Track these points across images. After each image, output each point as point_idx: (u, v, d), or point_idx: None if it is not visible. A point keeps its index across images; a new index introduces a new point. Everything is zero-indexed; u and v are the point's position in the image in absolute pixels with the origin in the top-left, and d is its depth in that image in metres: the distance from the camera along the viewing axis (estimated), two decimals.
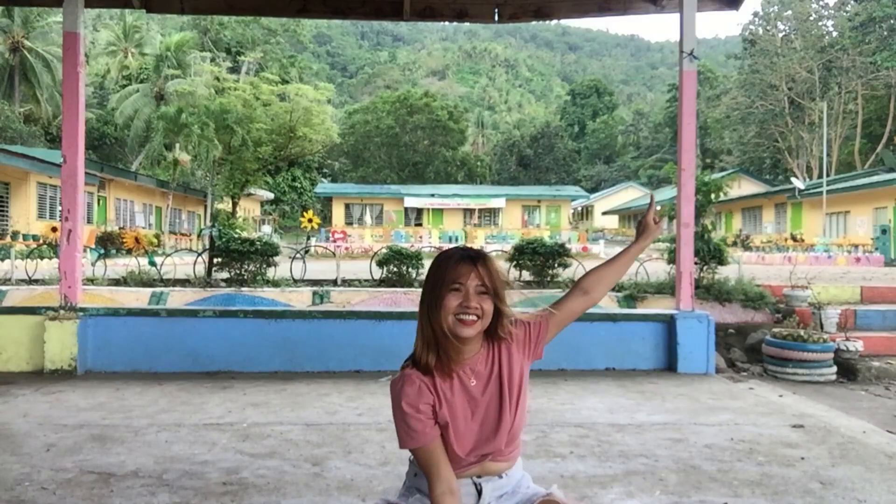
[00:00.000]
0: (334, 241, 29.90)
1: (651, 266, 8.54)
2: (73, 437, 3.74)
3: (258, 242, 7.72)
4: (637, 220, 2.23)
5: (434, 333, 1.76)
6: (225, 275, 7.70)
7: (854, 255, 21.01)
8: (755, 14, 48.77)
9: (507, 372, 1.82)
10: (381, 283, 7.92)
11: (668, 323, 5.91)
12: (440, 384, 1.77)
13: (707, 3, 6.35)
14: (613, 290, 7.61)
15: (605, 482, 3.13)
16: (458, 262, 1.77)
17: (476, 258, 1.78)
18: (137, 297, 7.05)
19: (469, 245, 1.78)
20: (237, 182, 33.20)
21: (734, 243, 27.15)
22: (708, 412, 4.44)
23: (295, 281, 8.02)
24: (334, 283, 8.12)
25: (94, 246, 15.61)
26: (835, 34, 43.87)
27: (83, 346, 5.56)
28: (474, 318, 1.73)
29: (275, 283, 7.67)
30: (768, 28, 47.40)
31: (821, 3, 46.09)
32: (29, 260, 9.50)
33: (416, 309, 1.86)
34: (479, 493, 1.81)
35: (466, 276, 1.74)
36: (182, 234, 33.14)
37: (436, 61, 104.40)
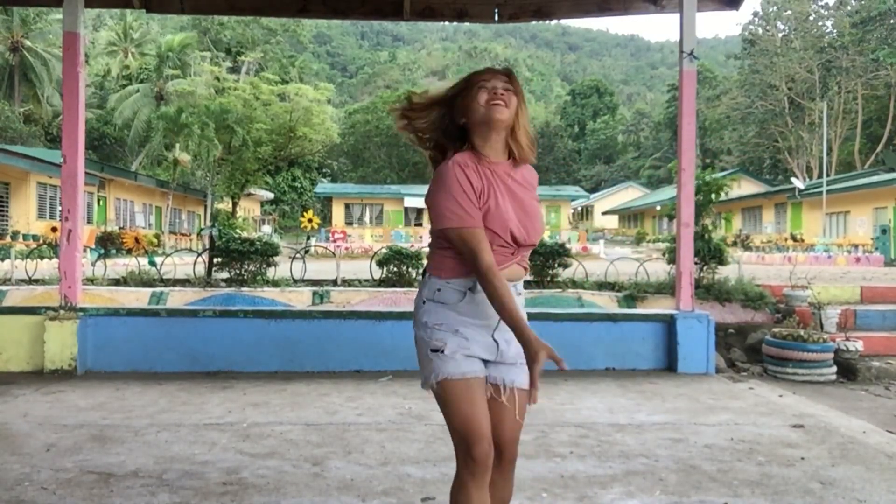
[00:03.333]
0: (334, 241, 29.90)
1: (651, 266, 8.53)
2: (73, 437, 3.74)
3: (258, 242, 7.72)
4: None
5: (458, 128, 1.96)
6: (225, 275, 7.69)
7: (854, 255, 21.01)
8: (755, 14, 48.77)
9: (532, 181, 2.03)
10: (381, 283, 7.92)
11: (668, 323, 5.91)
12: (484, 170, 1.91)
13: (707, 3, 6.34)
14: (613, 289, 7.62)
15: (605, 482, 3.13)
16: (484, 69, 1.99)
17: (504, 70, 1.99)
18: (137, 297, 7.04)
19: None
20: (237, 182, 33.21)
21: (734, 243, 27.15)
22: (708, 412, 4.45)
23: (295, 281, 8.02)
24: (334, 283, 8.11)
25: (94, 246, 15.61)
26: (834, 34, 43.88)
27: (83, 346, 5.56)
28: (502, 103, 1.89)
29: (275, 283, 7.67)
30: (768, 28, 47.39)
31: (820, 2, 46.10)
32: (29, 260, 9.49)
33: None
34: None
35: (493, 76, 1.94)
36: (182, 234, 33.13)
37: (436, 61, 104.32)
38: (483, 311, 1.90)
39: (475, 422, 1.88)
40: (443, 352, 1.89)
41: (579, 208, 60.01)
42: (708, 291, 7.23)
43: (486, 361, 1.95)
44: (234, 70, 41.78)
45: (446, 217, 1.85)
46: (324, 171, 54.88)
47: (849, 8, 43.06)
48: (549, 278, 7.91)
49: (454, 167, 1.86)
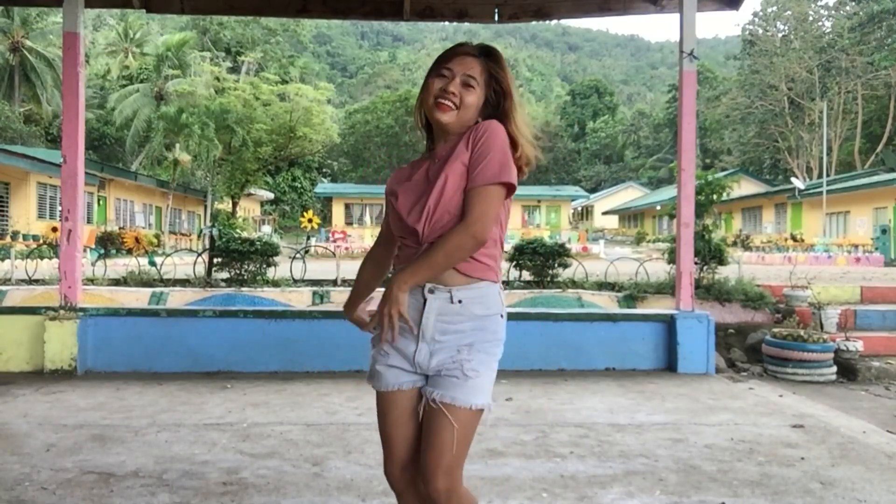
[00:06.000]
0: (334, 241, 29.89)
1: (651, 266, 8.53)
2: (73, 437, 3.74)
3: (258, 242, 7.72)
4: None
5: (424, 115, 1.81)
6: (225, 275, 7.70)
7: (854, 255, 21.02)
8: (755, 14, 48.83)
9: (453, 148, 1.74)
10: (382, 283, 7.91)
11: (668, 323, 5.90)
12: (419, 165, 1.82)
13: (707, 3, 6.34)
14: (613, 289, 7.62)
15: (605, 482, 3.13)
16: (457, 48, 1.78)
17: (481, 50, 1.78)
18: (137, 297, 7.05)
19: None
20: (237, 182, 33.24)
21: (734, 243, 27.14)
22: (708, 412, 4.45)
23: (295, 281, 8.02)
24: (334, 283, 8.11)
25: (94, 246, 15.62)
26: (833, 35, 43.92)
27: (83, 346, 5.56)
28: (450, 105, 1.71)
29: (275, 283, 7.67)
30: (767, 28, 47.44)
31: (819, 3, 46.14)
32: (29, 260, 9.49)
33: None
34: (424, 302, 1.73)
35: (459, 63, 1.74)
36: (182, 234, 33.14)
37: None
38: (407, 315, 1.73)
39: (387, 440, 1.82)
40: (372, 361, 1.84)
41: (579, 208, 60.00)
42: (708, 291, 7.23)
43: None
44: (234, 70, 41.77)
45: None
46: (324, 171, 54.89)
47: (847, 9, 43.10)
48: (549, 278, 7.91)
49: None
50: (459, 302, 1.71)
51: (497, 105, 1.78)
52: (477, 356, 1.72)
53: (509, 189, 1.71)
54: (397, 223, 1.78)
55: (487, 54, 1.78)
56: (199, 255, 9.40)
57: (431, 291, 1.71)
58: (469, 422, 1.71)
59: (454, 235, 1.66)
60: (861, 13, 40.80)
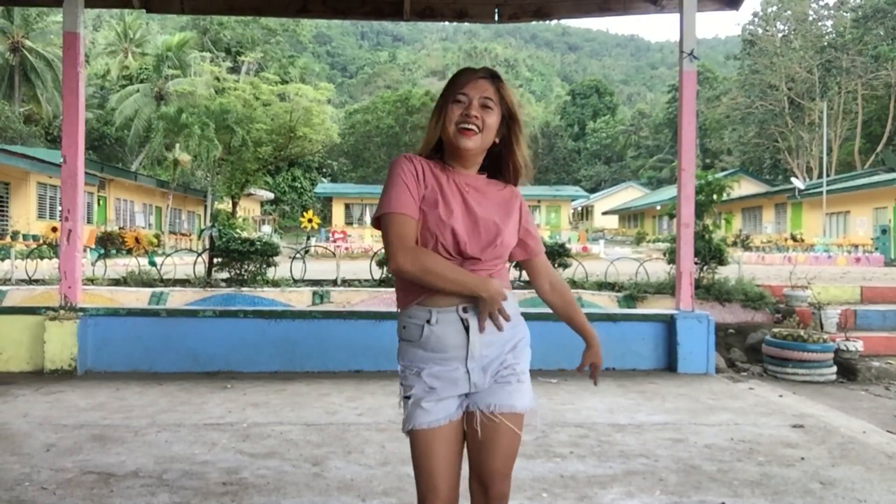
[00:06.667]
0: (334, 241, 29.87)
1: (651, 266, 8.53)
2: (73, 437, 3.74)
3: (258, 242, 7.72)
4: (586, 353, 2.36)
5: (440, 141, 1.78)
6: (225, 275, 7.69)
7: (854, 255, 21.02)
8: (755, 14, 48.80)
9: (506, 200, 1.83)
10: (381, 283, 7.92)
11: (668, 323, 5.90)
12: (438, 174, 1.77)
13: (707, 3, 6.35)
14: (613, 290, 7.63)
15: (605, 482, 3.13)
16: (467, 72, 1.79)
17: (488, 72, 1.80)
18: (137, 297, 7.05)
19: None
20: (237, 182, 33.22)
21: (734, 243, 27.14)
22: (708, 412, 4.45)
23: (295, 281, 8.02)
24: (334, 283, 8.11)
25: (94, 246, 15.62)
26: (834, 34, 43.93)
27: (83, 346, 5.56)
28: (474, 129, 1.72)
29: (275, 283, 7.67)
30: (767, 28, 47.42)
31: (820, 2, 46.14)
32: (29, 260, 9.49)
33: None
34: (467, 328, 1.73)
35: (473, 87, 1.75)
36: (182, 234, 33.13)
37: (436, 61, 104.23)
38: (448, 342, 1.72)
39: (433, 478, 1.72)
40: (409, 399, 1.76)
41: (579, 208, 60.00)
42: (708, 291, 7.23)
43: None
44: (234, 70, 41.75)
45: (379, 205, 1.72)
46: (324, 171, 54.89)
47: (851, 4, 43.09)
48: None
49: (400, 159, 1.76)
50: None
51: (507, 126, 1.81)
52: (522, 358, 1.81)
53: None
54: (444, 230, 1.72)
55: (494, 76, 1.80)
56: (199, 255, 9.40)
57: (466, 311, 1.73)
58: (522, 423, 1.79)
59: (565, 285, 2.16)
60: (865, 7, 40.73)
